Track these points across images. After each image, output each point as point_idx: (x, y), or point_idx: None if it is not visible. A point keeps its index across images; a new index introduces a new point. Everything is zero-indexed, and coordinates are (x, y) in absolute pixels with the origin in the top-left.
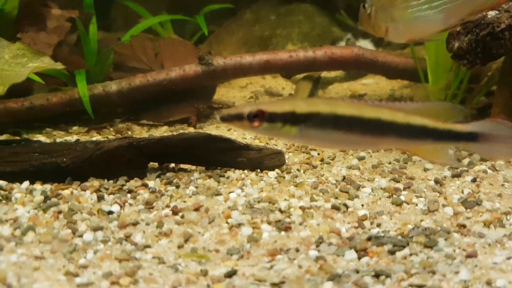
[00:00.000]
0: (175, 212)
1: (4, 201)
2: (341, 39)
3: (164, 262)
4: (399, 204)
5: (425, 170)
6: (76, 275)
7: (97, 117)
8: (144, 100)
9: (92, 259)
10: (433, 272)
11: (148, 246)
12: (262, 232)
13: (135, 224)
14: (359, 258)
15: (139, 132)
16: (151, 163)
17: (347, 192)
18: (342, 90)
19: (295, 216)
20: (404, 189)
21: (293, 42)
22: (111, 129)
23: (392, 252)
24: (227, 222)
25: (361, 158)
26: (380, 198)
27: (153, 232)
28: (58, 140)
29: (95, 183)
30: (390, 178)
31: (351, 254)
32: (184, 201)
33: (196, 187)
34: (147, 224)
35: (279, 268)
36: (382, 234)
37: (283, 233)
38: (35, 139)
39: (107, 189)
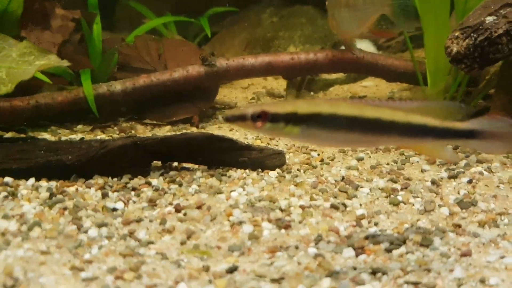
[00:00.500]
0: (178, 209)
1: (10, 197)
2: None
3: (167, 258)
4: (396, 204)
5: (422, 171)
6: (82, 269)
7: (101, 116)
8: (147, 100)
9: (97, 254)
10: (428, 270)
11: (152, 242)
12: (262, 230)
13: (138, 221)
14: (357, 256)
15: (143, 131)
16: (154, 161)
17: (345, 192)
18: (343, 92)
19: (295, 215)
20: (402, 189)
21: (295, 44)
22: (115, 128)
23: (388, 250)
24: (228, 220)
25: (360, 159)
26: (378, 198)
27: (156, 229)
28: (63, 138)
29: (100, 180)
30: (388, 178)
31: (349, 252)
32: (187, 199)
33: (199, 186)
34: (151, 221)
35: (279, 264)
36: (379, 233)
37: (283, 231)
38: (40, 137)
39: (111, 186)
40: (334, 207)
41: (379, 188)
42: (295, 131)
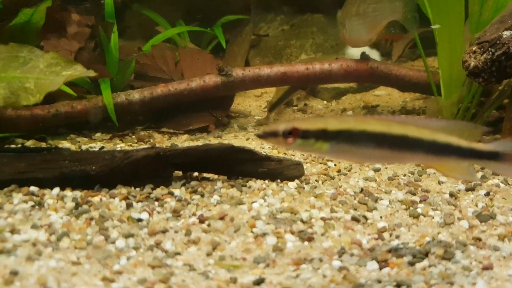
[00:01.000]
0: (201, 220)
1: (37, 207)
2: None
3: (194, 269)
4: (416, 216)
5: (440, 183)
6: (112, 280)
7: (119, 125)
8: (165, 108)
9: (126, 265)
10: (451, 283)
11: (178, 253)
12: (286, 242)
13: (164, 231)
14: (380, 269)
15: (160, 139)
16: (175, 172)
17: (365, 204)
18: (355, 101)
19: (317, 227)
20: (420, 201)
21: (307, 53)
22: (133, 136)
23: (411, 264)
24: (252, 231)
25: (376, 170)
26: (397, 210)
27: (182, 240)
28: (82, 146)
29: (123, 190)
30: (406, 190)
31: (373, 265)
32: (210, 210)
33: (220, 196)
34: (176, 231)
35: (305, 277)
36: (402, 246)
37: (306, 243)
38: (60, 145)
39: (134, 196)
40: (355, 219)
41: (399, 200)
42: (324, 147)
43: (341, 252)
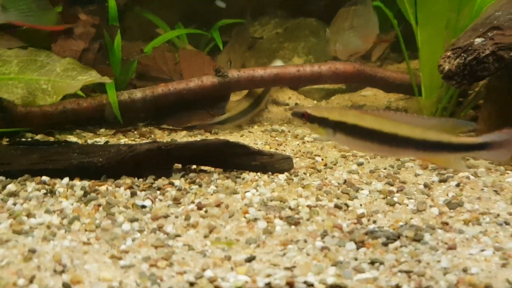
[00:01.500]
0: (199, 207)
1: (49, 194)
2: None
3: (193, 249)
4: (392, 204)
5: (416, 175)
6: (120, 258)
7: (122, 120)
8: (165, 106)
9: (132, 245)
10: (419, 261)
11: (179, 236)
12: (275, 226)
13: (166, 216)
14: (358, 249)
15: (161, 135)
16: (175, 164)
17: (347, 194)
18: (344, 101)
19: (303, 213)
20: (397, 191)
21: (299, 55)
22: (135, 132)
23: (385, 244)
24: (245, 217)
25: (360, 164)
26: (376, 199)
27: (182, 224)
28: (88, 141)
29: (127, 181)
30: (385, 182)
31: (351, 245)
32: (207, 198)
33: (216, 186)
34: (176, 217)
35: (291, 255)
36: (377, 229)
37: (293, 227)
38: (67, 139)
39: (138, 186)
40: (337, 207)
41: (377, 191)
42: (324, 133)
43: (324, 235)
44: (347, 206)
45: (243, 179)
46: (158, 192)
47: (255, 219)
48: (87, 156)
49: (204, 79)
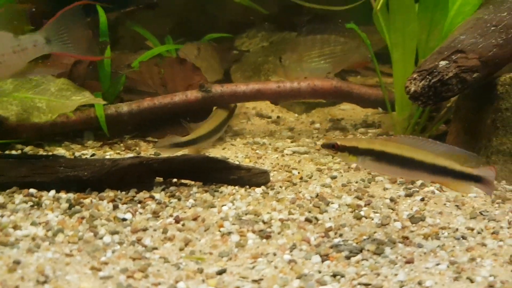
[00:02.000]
0: (177, 221)
1: (36, 207)
2: None
3: (168, 261)
4: (359, 218)
5: (385, 189)
6: (99, 269)
7: (109, 133)
8: (150, 119)
9: (111, 257)
10: (378, 274)
11: (156, 248)
12: (247, 239)
13: (144, 230)
14: (323, 262)
15: (146, 148)
16: (157, 178)
17: (318, 207)
18: (323, 115)
19: (275, 227)
20: (365, 205)
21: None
22: (121, 144)
23: (348, 257)
24: (219, 231)
25: (333, 177)
26: (344, 213)
27: (159, 237)
28: (76, 153)
29: (111, 193)
30: (354, 195)
31: (317, 259)
32: (185, 212)
33: (195, 200)
34: (155, 230)
35: (259, 268)
36: (342, 243)
37: (264, 240)
38: (55, 151)
39: (120, 199)
40: (308, 220)
41: (346, 204)
42: (354, 160)
43: (292, 248)
44: (317, 219)
45: (221, 192)
46: (139, 205)
47: (229, 233)
48: (73, 170)
49: (189, 93)
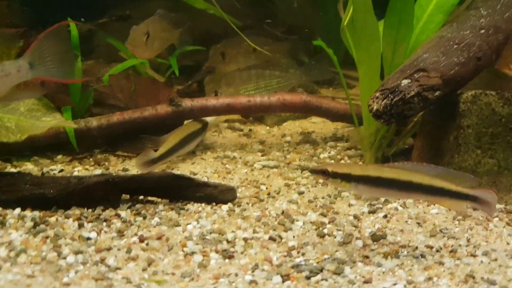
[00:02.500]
0: (141, 240)
1: (0, 226)
2: None
3: (131, 282)
4: (322, 236)
5: (350, 205)
6: None
7: (79, 148)
8: (120, 134)
9: (74, 278)
10: None
11: (119, 268)
12: (210, 259)
13: (109, 249)
14: (283, 282)
15: (115, 162)
16: (123, 194)
17: (283, 225)
18: (294, 127)
19: (238, 246)
20: (329, 222)
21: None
22: (91, 159)
23: (308, 278)
24: (183, 250)
25: (301, 193)
26: (308, 231)
27: (123, 257)
28: (44, 169)
29: (76, 211)
30: (319, 212)
31: (277, 279)
32: (150, 231)
33: (160, 218)
34: (119, 249)
35: None
36: (303, 263)
37: (227, 260)
38: (24, 166)
39: (86, 217)
40: (272, 239)
41: (311, 222)
42: (347, 186)
43: (254, 268)
44: (281, 238)
45: (187, 210)
46: (104, 223)
47: (192, 253)
48: (39, 188)
49: (159, 108)
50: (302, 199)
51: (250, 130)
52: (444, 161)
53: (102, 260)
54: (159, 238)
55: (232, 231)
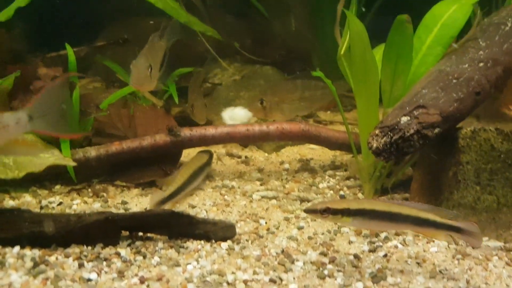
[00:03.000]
0: (142, 281)
1: None
2: None
3: None
4: (322, 277)
5: (350, 242)
6: None
7: (77, 177)
8: (119, 164)
9: None
10: None
11: None
12: None
13: None
14: None
15: (113, 194)
16: (123, 231)
17: (283, 265)
18: (293, 154)
19: None
20: (329, 262)
21: None
22: (89, 190)
23: None
24: None
25: (300, 228)
26: (309, 272)
27: None
28: (43, 201)
29: (76, 250)
30: (319, 251)
31: None
32: (150, 271)
33: (160, 257)
34: None
35: None
36: None
37: None
38: (22, 199)
39: (86, 256)
40: (272, 280)
41: (311, 262)
42: (348, 221)
43: None
44: (281, 279)
45: (187, 248)
46: (104, 263)
47: None
48: (38, 226)
49: (157, 137)
50: (301, 234)
51: (247, 157)
52: (443, 197)
53: None
54: (159, 279)
55: (232, 272)
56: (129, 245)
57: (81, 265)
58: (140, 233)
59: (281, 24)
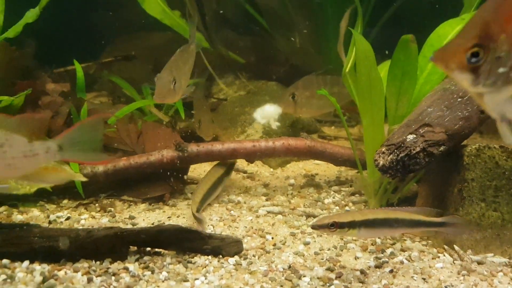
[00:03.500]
0: None
1: (9, 280)
2: None
3: None
4: None
5: (356, 258)
6: None
7: (84, 192)
8: (126, 179)
9: None
10: None
11: None
12: None
13: None
14: None
15: (121, 209)
16: (131, 246)
17: (290, 281)
18: (298, 169)
19: None
20: (336, 278)
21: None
22: (97, 204)
23: None
24: None
25: (306, 243)
26: (316, 287)
27: None
28: (51, 215)
29: (85, 264)
30: (326, 267)
31: None
32: (158, 286)
33: (168, 272)
34: None
35: None
36: None
37: None
38: (30, 213)
39: (95, 271)
40: None
41: (318, 277)
42: (354, 233)
43: None
44: None
45: (194, 263)
46: (113, 278)
47: None
48: (47, 240)
49: (164, 153)
50: (308, 250)
51: (252, 173)
52: (448, 213)
53: None
54: None
55: None
56: (137, 260)
57: (90, 280)
58: (148, 248)
59: (285, 40)
